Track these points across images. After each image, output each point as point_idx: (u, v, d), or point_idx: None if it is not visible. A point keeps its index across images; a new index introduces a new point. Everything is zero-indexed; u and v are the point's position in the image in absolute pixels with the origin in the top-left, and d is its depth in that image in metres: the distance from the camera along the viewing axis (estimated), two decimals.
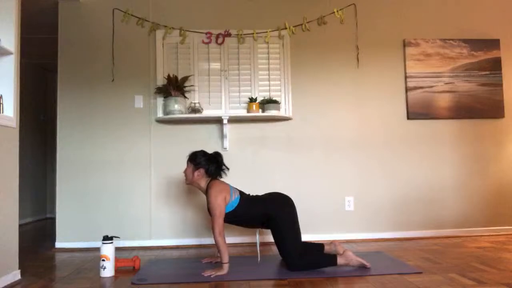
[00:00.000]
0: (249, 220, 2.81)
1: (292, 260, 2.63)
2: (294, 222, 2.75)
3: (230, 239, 3.64)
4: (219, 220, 2.65)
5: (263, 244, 3.67)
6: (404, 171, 3.91)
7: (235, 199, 2.75)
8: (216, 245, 2.65)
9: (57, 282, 2.53)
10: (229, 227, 3.62)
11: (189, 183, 2.88)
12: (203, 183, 2.83)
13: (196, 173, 2.81)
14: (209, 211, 2.71)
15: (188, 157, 2.88)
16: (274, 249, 3.44)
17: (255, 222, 2.82)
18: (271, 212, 2.73)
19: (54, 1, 3.79)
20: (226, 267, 2.59)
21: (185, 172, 2.89)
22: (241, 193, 2.84)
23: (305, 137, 3.87)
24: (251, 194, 2.95)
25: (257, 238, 2.96)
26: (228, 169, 2.90)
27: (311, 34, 3.94)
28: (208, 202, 2.71)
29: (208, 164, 2.81)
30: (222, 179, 2.90)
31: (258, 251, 2.97)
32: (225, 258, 2.61)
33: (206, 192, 2.78)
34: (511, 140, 4.03)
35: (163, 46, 3.84)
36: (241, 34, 3.84)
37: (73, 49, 3.80)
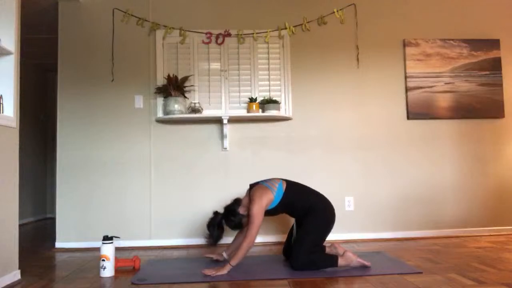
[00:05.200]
0: (299, 201, 2.83)
1: (299, 256, 2.63)
2: (327, 228, 2.80)
3: (229, 240, 3.65)
4: (254, 231, 2.63)
5: (263, 244, 3.67)
6: (404, 171, 3.91)
7: (278, 187, 2.78)
8: (239, 249, 2.61)
9: (57, 282, 2.53)
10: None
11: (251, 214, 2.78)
12: (244, 209, 2.82)
13: (244, 213, 2.81)
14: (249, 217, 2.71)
15: (230, 226, 2.84)
16: (275, 249, 3.44)
17: (300, 208, 2.83)
18: (319, 206, 2.79)
19: (54, 1, 3.79)
20: (228, 268, 2.58)
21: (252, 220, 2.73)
22: (283, 180, 2.87)
23: (305, 137, 3.87)
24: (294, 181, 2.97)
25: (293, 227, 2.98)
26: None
27: (311, 34, 3.94)
28: (249, 208, 2.71)
29: (227, 217, 2.82)
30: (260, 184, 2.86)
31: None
32: (235, 262, 2.61)
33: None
34: (511, 140, 4.03)
35: (163, 46, 3.84)
36: (241, 34, 3.84)
37: (73, 49, 3.80)
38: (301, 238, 2.72)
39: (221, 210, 2.88)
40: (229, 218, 2.80)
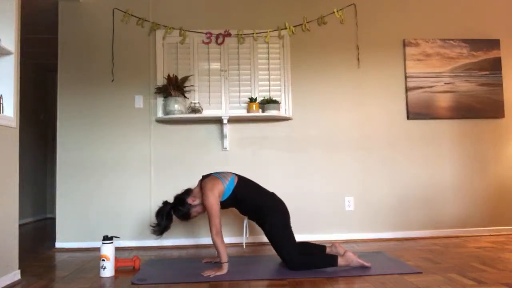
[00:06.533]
0: (250, 200, 2.80)
1: (291, 258, 2.63)
2: (288, 222, 2.79)
3: (229, 239, 3.65)
4: (216, 220, 2.64)
5: (263, 244, 3.67)
6: (404, 171, 3.91)
7: (230, 180, 2.76)
8: (214, 246, 2.65)
9: (57, 282, 2.53)
10: (228, 227, 3.64)
11: (197, 212, 2.84)
12: (197, 200, 2.80)
13: (193, 202, 2.80)
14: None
15: (178, 216, 2.83)
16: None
17: (250, 206, 2.82)
18: (268, 205, 2.76)
19: (54, 1, 3.79)
20: (225, 267, 2.59)
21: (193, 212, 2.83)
22: (236, 175, 2.85)
23: (305, 137, 3.87)
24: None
25: (245, 223, 2.99)
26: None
27: (311, 34, 3.94)
28: (203, 201, 2.72)
29: (175, 207, 2.80)
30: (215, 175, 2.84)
31: (245, 238, 3.00)
32: (224, 258, 2.61)
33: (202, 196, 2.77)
34: (511, 140, 4.03)
35: (163, 46, 3.84)
36: (241, 34, 3.84)
37: (73, 49, 3.80)
38: (276, 244, 2.71)
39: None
40: (178, 208, 2.78)
